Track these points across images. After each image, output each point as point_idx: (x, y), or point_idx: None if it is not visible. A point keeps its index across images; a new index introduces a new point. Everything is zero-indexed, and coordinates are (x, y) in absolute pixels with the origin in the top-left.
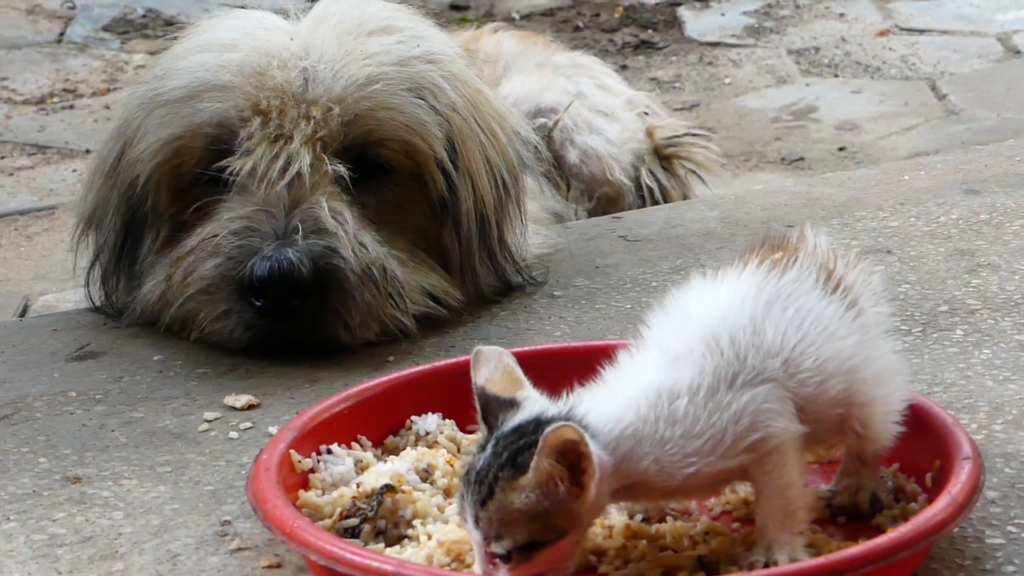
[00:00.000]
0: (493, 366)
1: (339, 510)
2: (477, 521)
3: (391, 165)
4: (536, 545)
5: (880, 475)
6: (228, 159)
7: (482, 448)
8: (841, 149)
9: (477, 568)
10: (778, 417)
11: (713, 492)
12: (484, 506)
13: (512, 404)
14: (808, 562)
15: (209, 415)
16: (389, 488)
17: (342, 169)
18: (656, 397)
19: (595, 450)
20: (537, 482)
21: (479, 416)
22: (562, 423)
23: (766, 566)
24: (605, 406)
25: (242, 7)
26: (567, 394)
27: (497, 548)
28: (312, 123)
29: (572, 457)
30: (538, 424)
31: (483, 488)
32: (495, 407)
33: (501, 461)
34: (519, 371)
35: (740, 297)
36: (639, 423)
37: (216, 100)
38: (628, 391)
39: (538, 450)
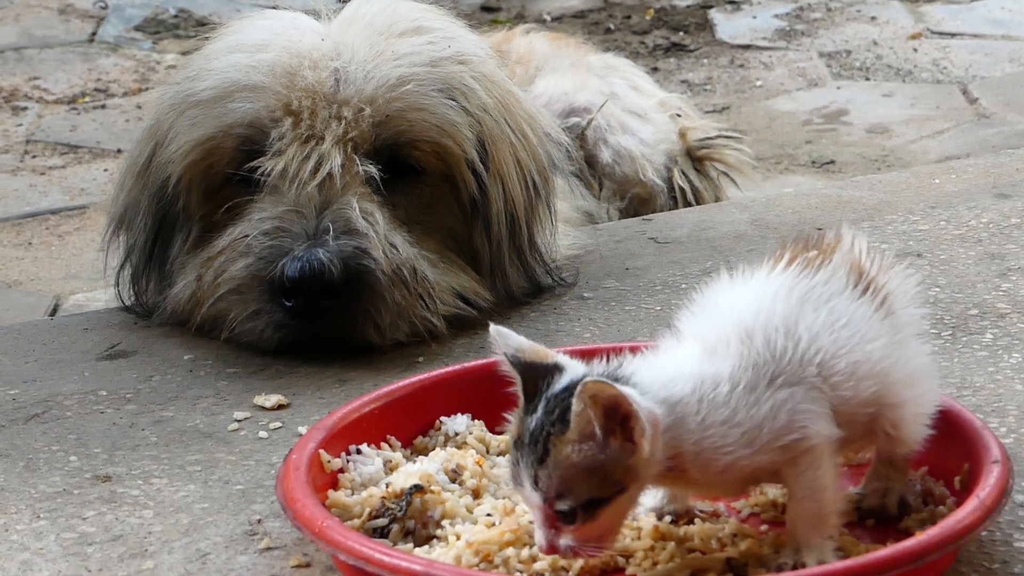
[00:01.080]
0: (516, 339)
1: (368, 510)
2: (536, 481)
3: (421, 166)
4: (598, 502)
5: (909, 478)
6: (259, 160)
7: (529, 412)
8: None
9: (538, 537)
10: (815, 419)
11: (743, 491)
12: (542, 464)
13: (555, 368)
14: (835, 565)
15: (239, 415)
16: (418, 488)
17: (373, 170)
18: (698, 380)
19: (649, 403)
20: (580, 432)
21: (518, 385)
22: (595, 377)
23: (794, 569)
24: (652, 372)
25: (274, 7)
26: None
27: (561, 505)
28: (343, 124)
29: (620, 413)
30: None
31: (538, 447)
32: (536, 372)
33: (553, 418)
34: (542, 345)
35: (772, 294)
36: (685, 397)
37: (247, 100)
38: (673, 369)
39: (573, 401)
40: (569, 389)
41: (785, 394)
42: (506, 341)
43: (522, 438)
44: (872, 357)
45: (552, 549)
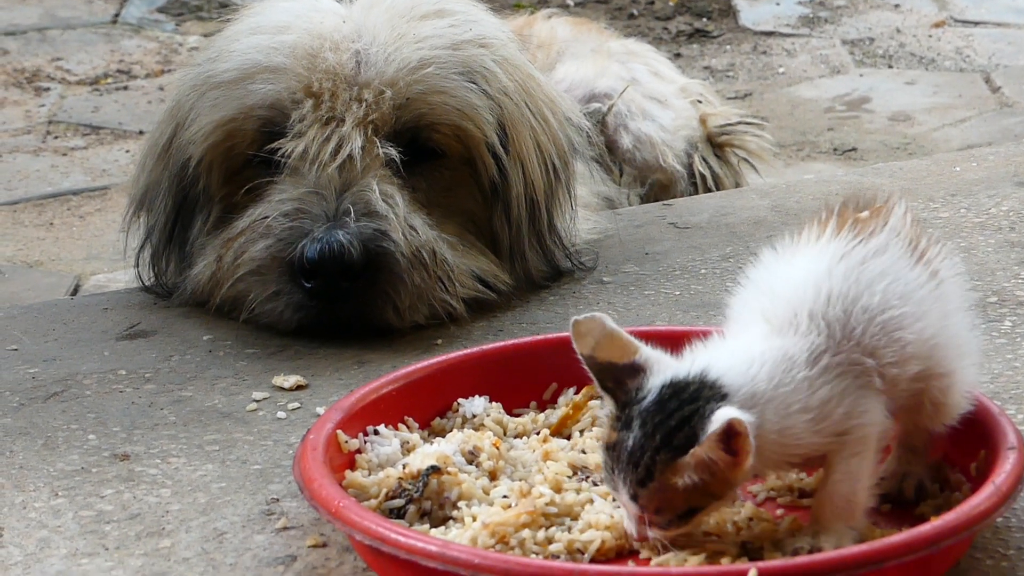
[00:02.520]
0: (596, 334)
1: (385, 491)
2: (635, 497)
3: (442, 149)
4: (695, 511)
5: (929, 462)
6: (280, 141)
7: (622, 423)
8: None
9: (628, 527)
10: (872, 409)
11: (795, 468)
12: (644, 486)
13: (634, 369)
14: (850, 550)
15: (257, 395)
16: (435, 470)
17: (393, 152)
18: (775, 363)
19: (747, 418)
20: (696, 464)
21: (597, 386)
22: (729, 416)
23: (810, 553)
24: (733, 367)
25: None
26: (685, 353)
27: (659, 520)
28: (364, 106)
29: (734, 435)
30: (677, 397)
31: (640, 470)
32: (614, 374)
33: (656, 443)
34: (625, 334)
35: (828, 270)
36: (765, 386)
37: (268, 82)
38: (748, 354)
39: (703, 441)
40: (662, 406)
41: (846, 383)
42: (581, 340)
43: (619, 452)
44: (924, 334)
45: (643, 538)
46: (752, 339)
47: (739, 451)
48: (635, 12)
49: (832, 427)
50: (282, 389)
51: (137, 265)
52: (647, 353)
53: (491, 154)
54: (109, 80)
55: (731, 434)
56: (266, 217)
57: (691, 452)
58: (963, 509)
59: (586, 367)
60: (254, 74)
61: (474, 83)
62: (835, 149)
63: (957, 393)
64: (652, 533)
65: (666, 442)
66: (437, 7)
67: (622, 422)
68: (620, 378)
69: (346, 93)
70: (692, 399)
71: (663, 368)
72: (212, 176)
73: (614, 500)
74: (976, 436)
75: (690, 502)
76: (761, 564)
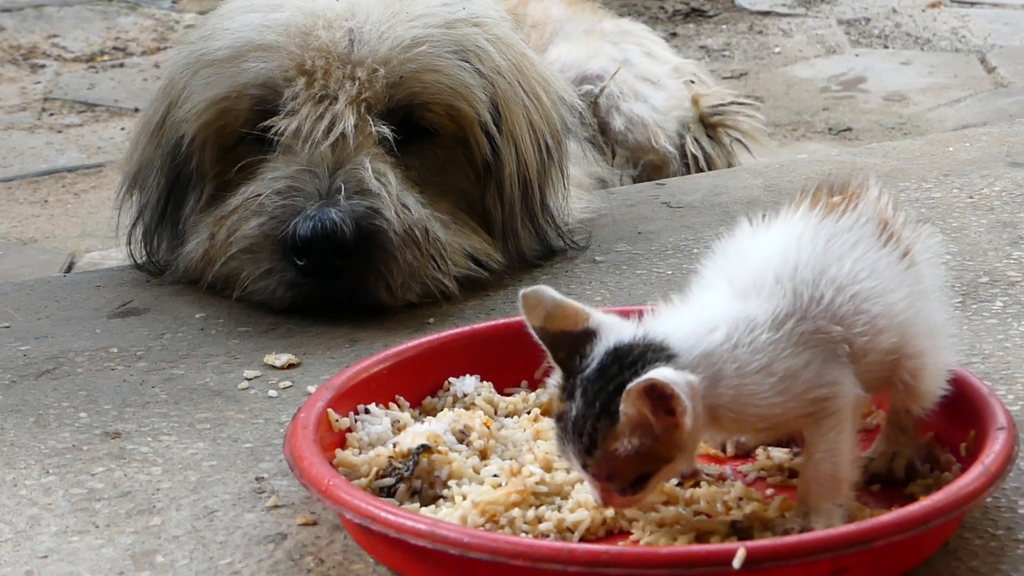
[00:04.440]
0: (546, 305)
1: (375, 469)
2: (585, 466)
3: (435, 128)
4: (647, 476)
5: (919, 442)
6: (272, 119)
7: (567, 393)
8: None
9: (595, 496)
10: (842, 379)
11: (768, 436)
12: (590, 455)
13: (586, 335)
14: (840, 529)
15: (249, 373)
16: (425, 448)
17: (386, 131)
18: (732, 324)
19: (684, 375)
20: (631, 427)
21: (549, 357)
22: (650, 376)
23: (800, 533)
24: (684, 327)
25: None
26: (639, 318)
27: (611, 486)
28: (357, 84)
29: (665, 398)
30: (619, 363)
31: (585, 439)
32: (567, 343)
33: (596, 411)
34: (574, 303)
35: (797, 240)
36: (720, 346)
37: (261, 60)
38: (706, 315)
39: (622, 402)
40: (603, 373)
41: (813, 351)
42: (534, 310)
43: (565, 423)
44: (893, 309)
45: (609, 504)
46: (711, 301)
47: (675, 412)
48: None
49: (799, 393)
50: (274, 367)
51: (129, 243)
52: (599, 318)
53: (484, 133)
54: (105, 57)
55: (660, 394)
56: (259, 195)
57: (621, 415)
58: (952, 489)
59: (538, 339)
60: (247, 52)
61: (467, 62)
62: (830, 129)
63: (929, 376)
64: (617, 500)
65: (605, 409)
66: None
67: (567, 392)
68: (574, 347)
69: (339, 71)
70: (633, 363)
71: (615, 333)
72: (205, 154)
73: None
74: (966, 416)
75: (640, 467)
76: (750, 544)
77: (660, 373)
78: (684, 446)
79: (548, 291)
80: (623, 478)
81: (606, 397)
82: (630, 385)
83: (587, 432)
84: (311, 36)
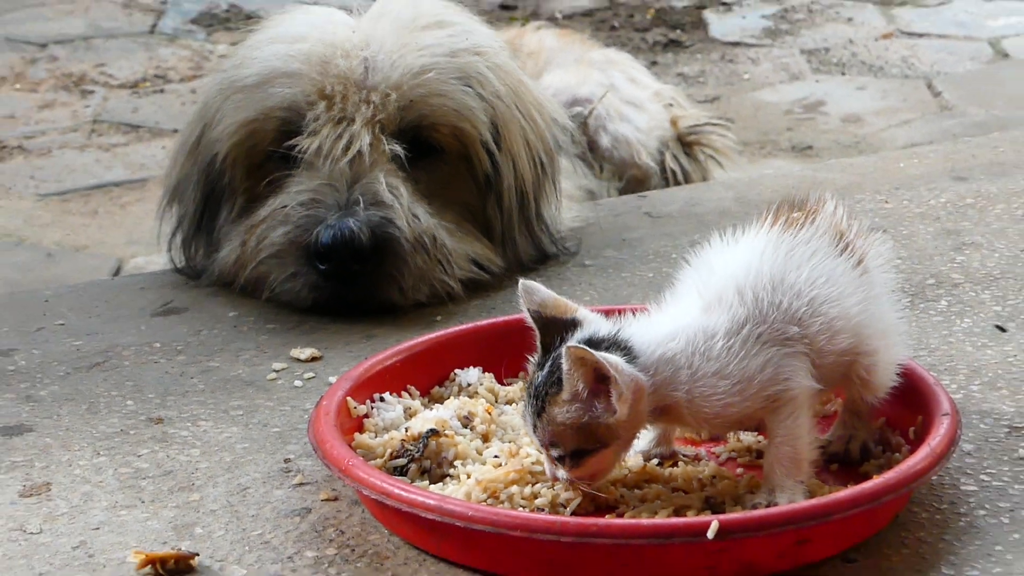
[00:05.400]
0: (542, 294)
1: (389, 451)
2: (535, 429)
3: (441, 146)
4: (584, 452)
5: (873, 426)
6: (297, 139)
7: (539, 366)
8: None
9: (546, 467)
10: (797, 373)
11: (730, 429)
12: (540, 417)
13: (572, 323)
14: (802, 503)
15: (277, 365)
16: (434, 432)
17: (398, 149)
18: (692, 335)
19: (632, 371)
20: (570, 394)
21: (537, 339)
22: (575, 344)
23: (767, 507)
24: (650, 332)
25: (314, 3)
26: (620, 317)
27: (552, 452)
28: (372, 107)
29: (605, 377)
30: (590, 346)
31: (538, 402)
32: (554, 328)
33: (552, 380)
34: (562, 298)
35: (760, 253)
36: (678, 353)
37: (286, 86)
38: (670, 325)
39: (562, 363)
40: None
41: (773, 351)
42: (531, 296)
43: (529, 389)
44: (849, 312)
45: (554, 479)
46: (679, 312)
47: (610, 395)
48: (616, 24)
49: (754, 394)
50: (298, 360)
51: (170, 250)
52: (584, 313)
53: (485, 150)
54: (147, 84)
55: (603, 376)
56: (285, 206)
57: (564, 378)
58: (902, 468)
59: (532, 321)
60: (273, 79)
61: (470, 87)
62: (793, 147)
63: (882, 371)
64: (561, 473)
65: (558, 380)
66: (437, 19)
67: (539, 365)
68: (558, 331)
69: (356, 96)
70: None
71: (593, 327)
72: (236, 170)
73: None
74: (914, 403)
75: (578, 440)
76: (723, 517)
77: (606, 355)
78: (617, 434)
79: (542, 286)
80: (562, 446)
81: (562, 372)
82: (569, 342)
83: (540, 396)
84: (330, 64)
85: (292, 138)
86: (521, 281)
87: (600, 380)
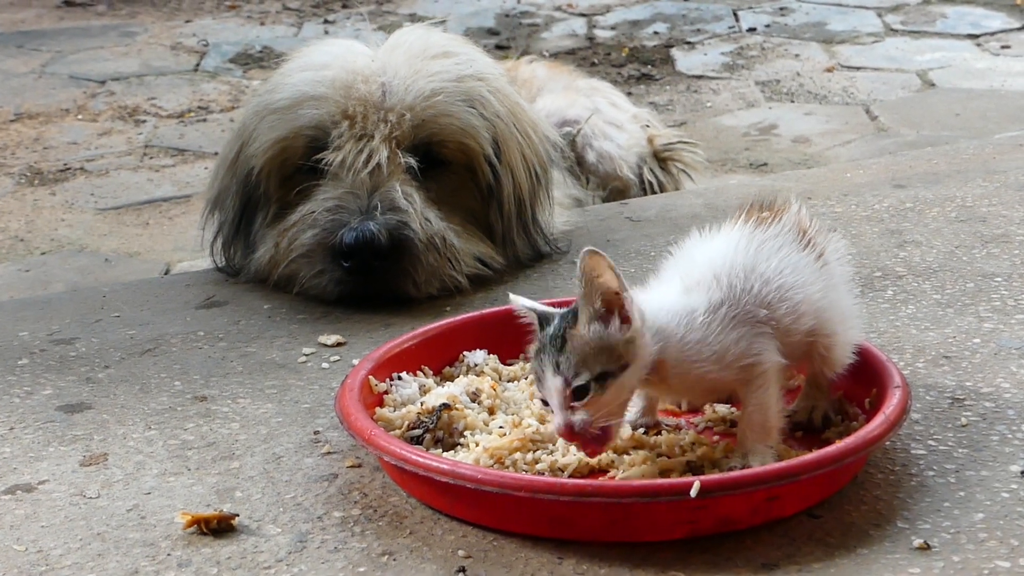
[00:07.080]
0: (531, 303)
1: (407, 423)
2: (558, 366)
3: (449, 160)
4: (608, 375)
5: (832, 398)
6: (323, 153)
7: (546, 323)
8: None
9: (556, 419)
10: (766, 349)
11: (711, 397)
12: (562, 352)
13: (566, 305)
14: (772, 466)
15: (307, 350)
16: (446, 406)
17: (412, 162)
18: (678, 311)
19: (632, 294)
20: (587, 314)
21: (536, 326)
22: (590, 248)
23: (741, 469)
24: (644, 302)
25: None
26: None
27: (579, 380)
28: (388, 126)
29: (615, 303)
30: None
31: (557, 341)
32: (550, 314)
33: (567, 321)
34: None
35: (734, 245)
36: (667, 324)
37: (314, 108)
38: (657, 302)
39: (577, 272)
40: (575, 309)
41: (744, 329)
42: (523, 306)
43: (542, 345)
44: (811, 298)
45: (568, 428)
46: (665, 291)
47: (624, 310)
48: (596, 61)
49: (731, 363)
50: (325, 345)
51: (212, 252)
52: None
53: (487, 164)
54: (192, 114)
55: (609, 298)
56: (313, 212)
57: (576, 316)
58: (860, 434)
59: (528, 313)
60: (303, 102)
61: (474, 108)
62: (751, 164)
63: (840, 350)
64: (578, 417)
65: (573, 316)
66: (444, 49)
67: (546, 323)
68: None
69: (374, 116)
70: None
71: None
72: (270, 182)
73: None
74: (869, 377)
75: (602, 363)
76: (703, 478)
77: (604, 255)
78: (637, 352)
79: (529, 300)
80: (588, 370)
81: (574, 310)
82: (585, 248)
83: (559, 336)
84: (352, 89)
85: (319, 153)
86: (511, 297)
87: (608, 307)
